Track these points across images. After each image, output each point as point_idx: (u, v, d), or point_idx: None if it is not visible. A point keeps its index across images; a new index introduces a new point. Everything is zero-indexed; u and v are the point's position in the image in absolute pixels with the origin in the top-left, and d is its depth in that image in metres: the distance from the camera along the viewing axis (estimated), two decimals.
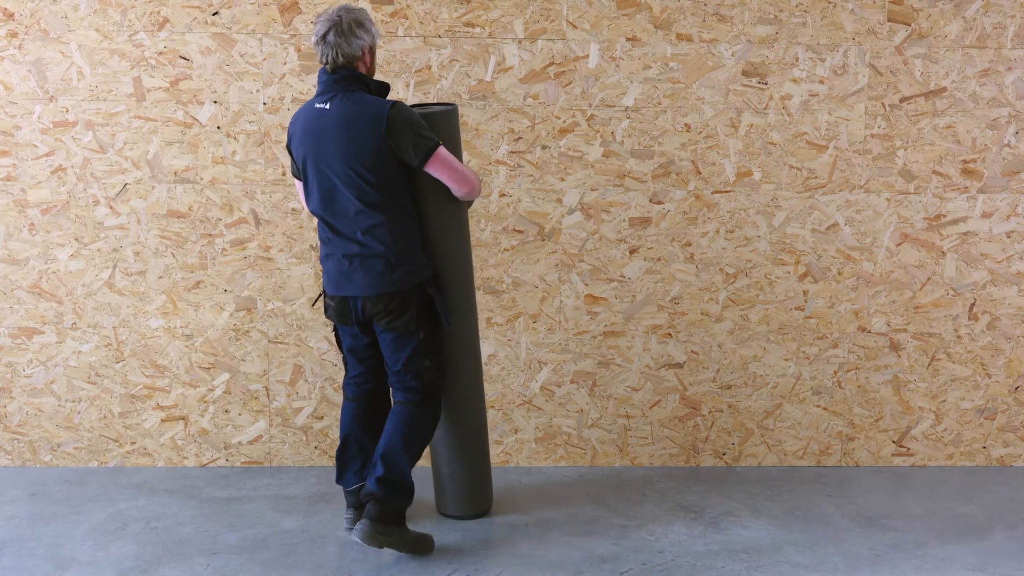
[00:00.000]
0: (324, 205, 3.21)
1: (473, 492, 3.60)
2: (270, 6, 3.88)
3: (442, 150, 3.19)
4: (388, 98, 3.25)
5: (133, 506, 3.70)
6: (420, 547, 3.30)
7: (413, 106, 3.37)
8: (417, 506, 3.67)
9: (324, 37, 3.14)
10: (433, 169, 3.19)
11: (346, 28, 3.13)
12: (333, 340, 3.95)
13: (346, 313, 3.28)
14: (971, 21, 3.98)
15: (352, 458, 3.44)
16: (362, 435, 3.43)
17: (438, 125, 3.32)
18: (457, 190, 3.27)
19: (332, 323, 3.57)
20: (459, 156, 3.46)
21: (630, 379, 4.12)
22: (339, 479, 3.47)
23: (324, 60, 3.17)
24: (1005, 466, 4.23)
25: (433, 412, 3.35)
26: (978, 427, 4.20)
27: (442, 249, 3.37)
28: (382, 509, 3.21)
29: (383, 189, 3.14)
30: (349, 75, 3.16)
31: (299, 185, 3.36)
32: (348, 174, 3.13)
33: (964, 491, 3.96)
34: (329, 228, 3.23)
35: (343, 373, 3.70)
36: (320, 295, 3.46)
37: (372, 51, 3.22)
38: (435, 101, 3.92)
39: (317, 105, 3.18)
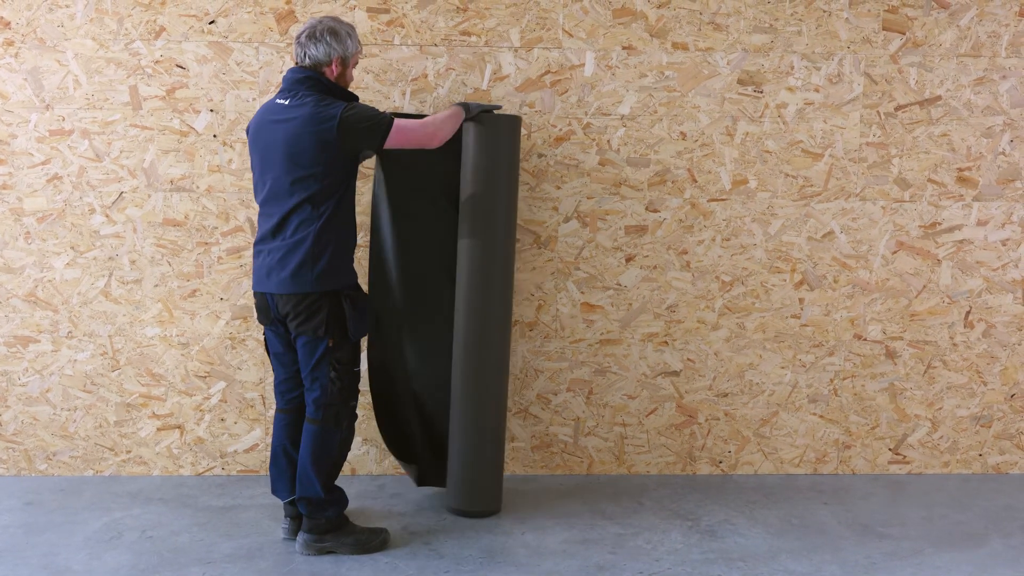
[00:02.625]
0: (267, 198, 3.26)
1: (484, 489, 3.63)
2: (266, 15, 3.88)
3: (398, 122, 3.23)
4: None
5: (128, 515, 3.69)
6: (366, 546, 3.38)
7: (482, 110, 3.50)
8: (421, 501, 3.67)
9: (298, 38, 3.28)
10: (397, 143, 3.24)
11: (319, 34, 3.25)
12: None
13: (266, 311, 3.32)
14: (965, 30, 4.00)
15: (281, 471, 3.47)
16: (290, 447, 3.46)
17: (499, 128, 3.47)
18: (428, 144, 3.30)
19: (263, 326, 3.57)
20: (516, 164, 3.55)
21: (626, 387, 4.12)
22: (273, 490, 3.50)
23: (295, 59, 3.31)
24: (1001, 473, 4.23)
25: (340, 430, 3.33)
26: (974, 435, 4.21)
27: (475, 254, 3.48)
28: (311, 523, 3.36)
29: (318, 190, 3.17)
30: (311, 76, 3.25)
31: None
32: (290, 169, 3.18)
33: (960, 499, 3.96)
34: (265, 222, 3.27)
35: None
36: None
37: (344, 63, 3.28)
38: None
39: (277, 101, 3.27)
